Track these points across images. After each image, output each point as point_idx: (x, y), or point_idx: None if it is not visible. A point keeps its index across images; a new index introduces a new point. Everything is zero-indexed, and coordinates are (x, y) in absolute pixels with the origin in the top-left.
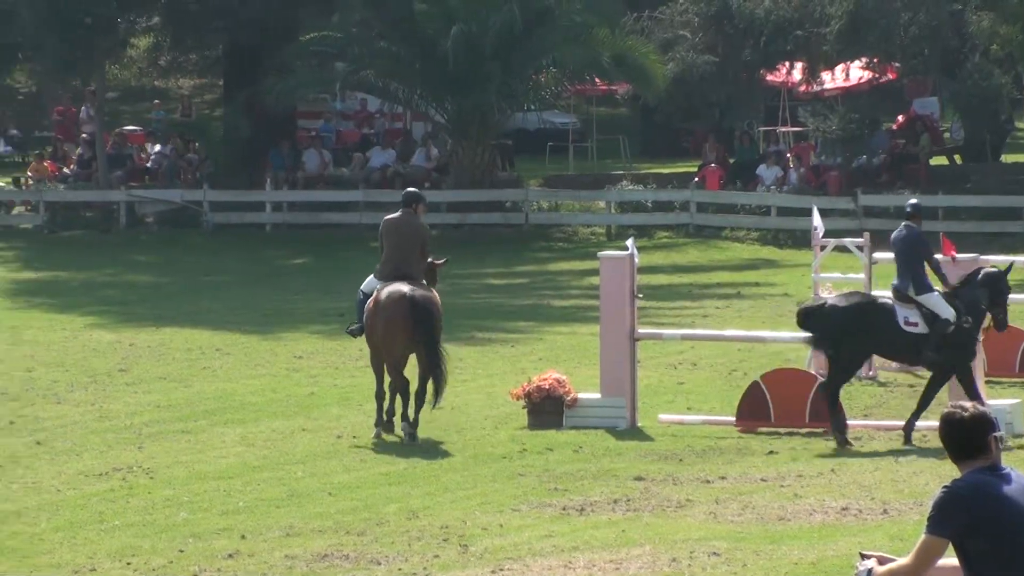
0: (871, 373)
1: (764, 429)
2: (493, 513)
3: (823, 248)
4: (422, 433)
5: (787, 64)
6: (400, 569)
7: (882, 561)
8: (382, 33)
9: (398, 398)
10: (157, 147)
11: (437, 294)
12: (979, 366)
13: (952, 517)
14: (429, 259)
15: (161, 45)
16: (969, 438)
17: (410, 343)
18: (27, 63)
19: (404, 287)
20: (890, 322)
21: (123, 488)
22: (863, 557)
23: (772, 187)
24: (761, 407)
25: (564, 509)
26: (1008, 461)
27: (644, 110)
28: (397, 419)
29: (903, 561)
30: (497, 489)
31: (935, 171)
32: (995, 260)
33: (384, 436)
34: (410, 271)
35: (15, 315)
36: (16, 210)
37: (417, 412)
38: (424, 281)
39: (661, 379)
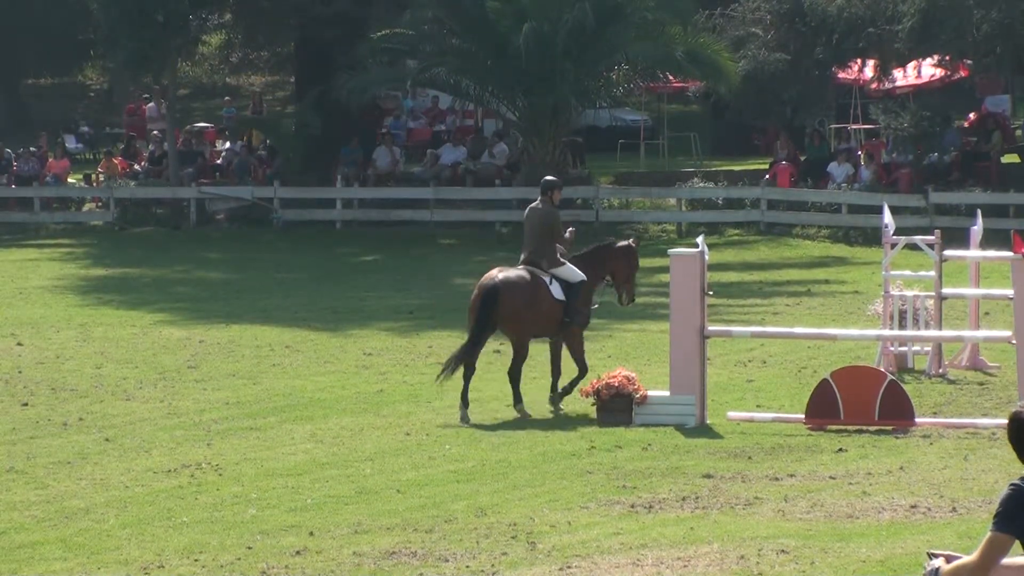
0: (941, 370)
1: (833, 427)
2: (561, 510)
3: (893, 246)
4: (489, 429)
5: (859, 61)
6: (468, 567)
7: (949, 559)
8: (453, 30)
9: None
10: (227, 144)
11: (543, 279)
12: None
13: (1019, 514)
14: (621, 243)
15: (233, 42)
16: None
17: (477, 326)
18: (99, 60)
19: (499, 272)
20: None
21: (191, 485)
22: (931, 556)
23: (843, 184)
24: (830, 405)
25: (632, 506)
26: None
27: (715, 108)
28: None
29: (969, 558)
30: (565, 486)
31: (1006, 169)
32: None
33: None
34: (539, 257)
35: (85, 312)
36: (87, 207)
37: (552, 388)
38: (566, 266)
39: (730, 376)
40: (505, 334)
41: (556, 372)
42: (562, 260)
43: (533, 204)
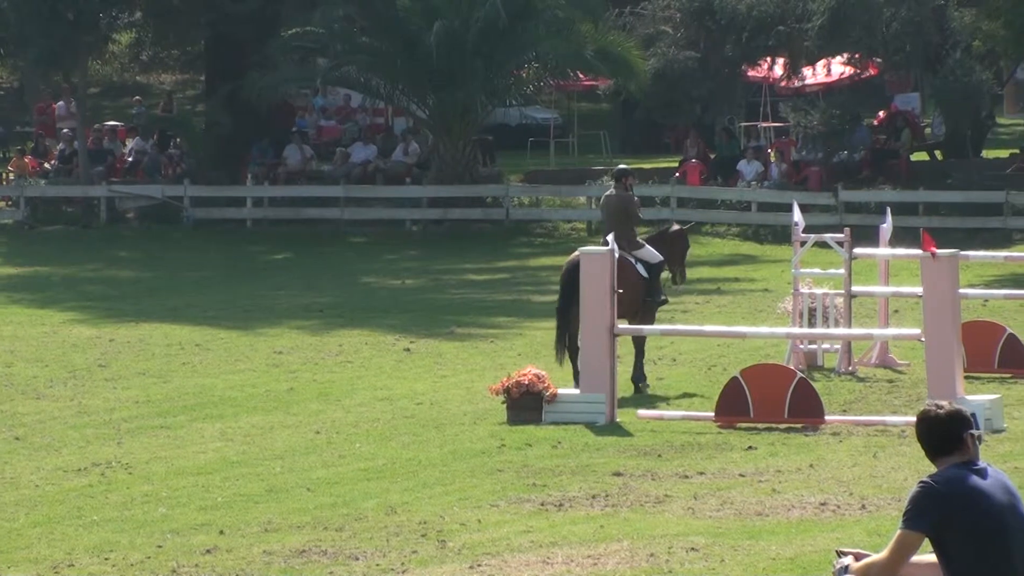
0: (850, 368)
1: (743, 424)
2: (471, 508)
3: (803, 244)
4: (400, 428)
5: (768, 59)
6: (378, 565)
7: (858, 558)
8: (364, 29)
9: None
10: (133, 142)
11: (629, 258)
12: (959, 361)
13: (928, 512)
14: (675, 227)
15: (143, 40)
16: (945, 435)
17: (564, 302)
18: (9, 59)
19: (578, 254)
20: None
21: (101, 484)
22: (840, 554)
23: (753, 183)
24: (740, 402)
25: (542, 505)
26: (986, 457)
27: (625, 106)
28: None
29: (879, 556)
30: (475, 484)
31: (916, 167)
32: (976, 256)
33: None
34: (620, 240)
35: None
36: None
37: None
38: (645, 247)
39: None
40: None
41: (640, 354)
42: (641, 242)
43: (608, 192)
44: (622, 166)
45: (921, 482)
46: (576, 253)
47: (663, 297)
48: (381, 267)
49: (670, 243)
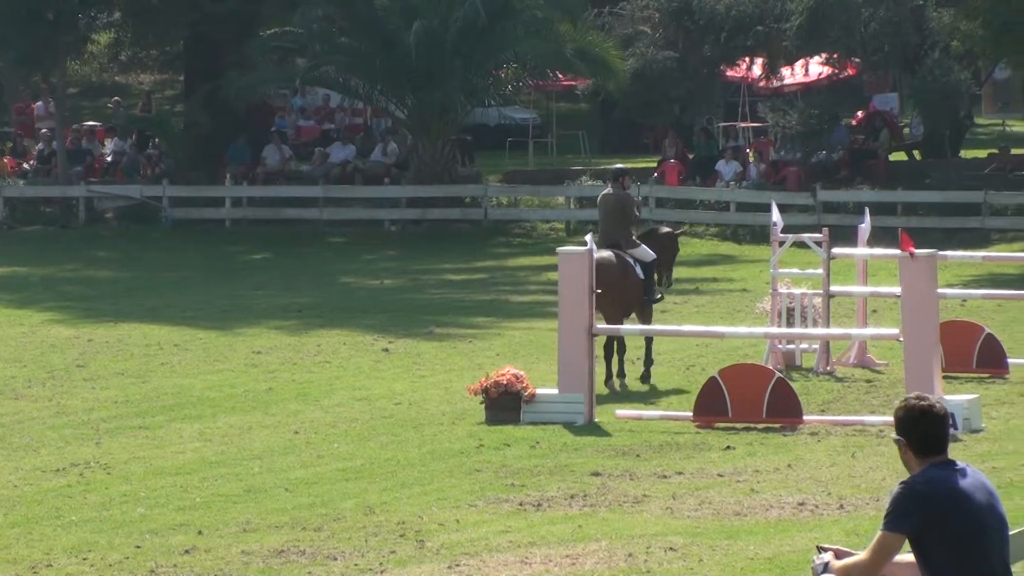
0: (829, 368)
1: (721, 424)
2: (450, 509)
3: (782, 244)
4: (379, 429)
5: (747, 60)
6: (356, 565)
7: (839, 555)
8: (343, 29)
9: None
10: (111, 142)
11: (627, 259)
12: (937, 361)
13: (910, 513)
14: (666, 230)
15: (122, 40)
16: (941, 435)
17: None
18: None
19: (605, 254)
20: None
21: (80, 484)
22: (820, 550)
23: (731, 183)
24: (718, 402)
25: (521, 504)
26: (964, 457)
27: (604, 106)
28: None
29: (859, 557)
30: (454, 485)
31: (894, 167)
32: (954, 256)
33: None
34: (618, 239)
35: None
36: None
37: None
38: (640, 247)
39: None
40: (599, 311)
41: (648, 352)
42: (637, 241)
43: (605, 191)
44: (619, 165)
45: (903, 483)
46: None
47: (659, 295)
48: (360, 267)
49: (659, 245)
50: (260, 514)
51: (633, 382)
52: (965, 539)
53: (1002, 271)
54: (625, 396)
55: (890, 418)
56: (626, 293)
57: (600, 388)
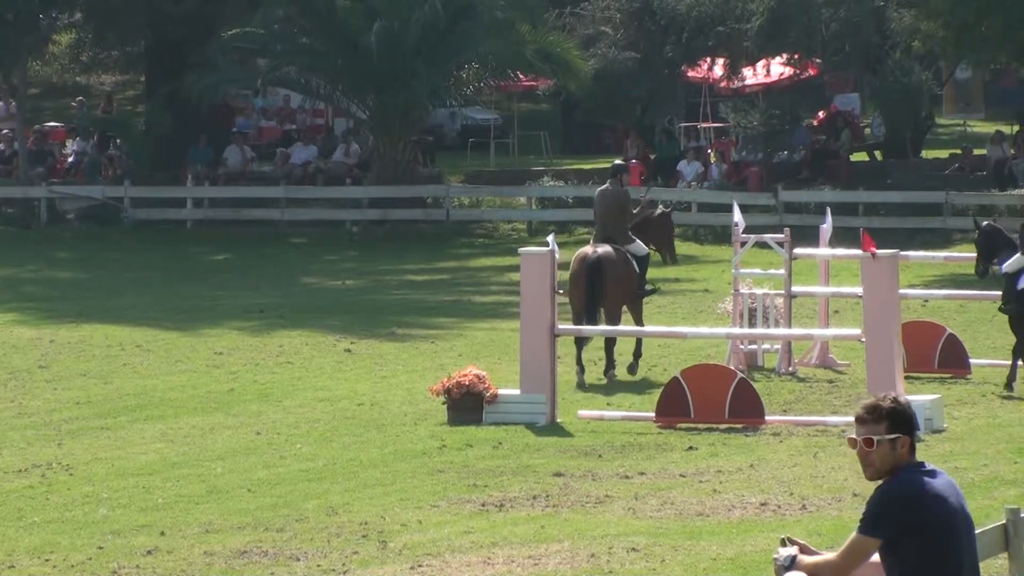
0: (791, 368)
1: (683, 425)
2: (412, 509)
3: (743, 244)
4: (341, 429)
5: (708, 60)
6: (319, 565)
7: (804, 550)
8: (304, 29)
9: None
10: (73, 143)
11: (626, 253)
12: (899, 361)
13: (887, 517)
14: (659, 211)
15: (83, 41)
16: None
17: (589, 297)
18: None
19: (590, 249)
20: None
21: (42, 484)
22: (785, 542)
23: (693, 183)
24: (680, 403)
25: (483, 505)
26: (927, 457)
27: (565, 106)
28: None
29: (831, 557)
30: (416, 485)
31: (855, 167)
32: (916, 256)
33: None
34: (613, 234)
35: None
36: None
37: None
38: (635, 242)
39: None
40: (603, 305)
41: (638, 348)
42: (633, 237)
43: (603, 187)
44: (618, 162)
45: (879, 487)
46: (587, 251)
47: (651, 288)
48: (322, 268)
49: (656, 227)
50: (223, 515)
51: (621, 372)
52: (941, 542)
53: (964, 272)
54: (612, 389)
55: (852, 419)
56: (627, 286)
57: (565, 390)
